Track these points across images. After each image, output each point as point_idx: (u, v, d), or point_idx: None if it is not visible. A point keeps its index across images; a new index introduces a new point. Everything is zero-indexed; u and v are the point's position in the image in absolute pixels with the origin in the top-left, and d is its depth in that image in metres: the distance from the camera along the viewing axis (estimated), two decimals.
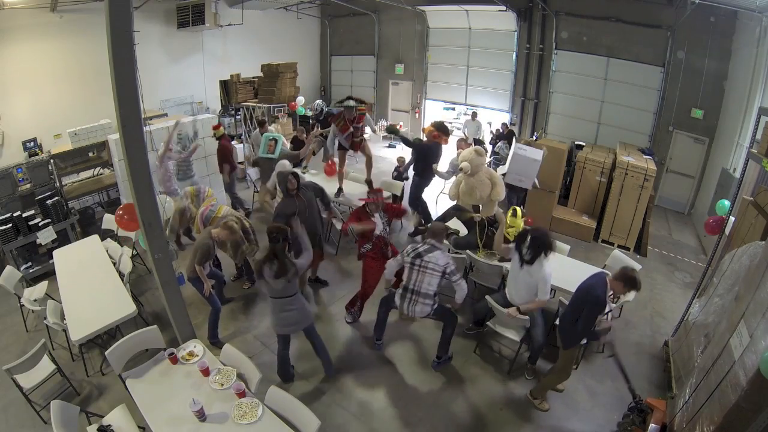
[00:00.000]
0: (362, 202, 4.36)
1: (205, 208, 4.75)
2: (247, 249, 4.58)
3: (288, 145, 7.09)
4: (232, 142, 8.83)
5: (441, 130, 5.92)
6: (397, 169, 7.24)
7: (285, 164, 5.04)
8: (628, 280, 2.99)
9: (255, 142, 7.36)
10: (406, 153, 7.40)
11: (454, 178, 5.61)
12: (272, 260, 3.21)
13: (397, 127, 7.34)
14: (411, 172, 6.25)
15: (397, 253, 4.42)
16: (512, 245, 3.79)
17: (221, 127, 6.61)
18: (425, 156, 5.91)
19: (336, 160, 6.25)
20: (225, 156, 6.78)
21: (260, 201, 5.92)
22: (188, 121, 6.65)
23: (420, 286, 3.62)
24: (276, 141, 5.56)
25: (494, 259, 4.52)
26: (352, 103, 5.59)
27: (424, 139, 6.22)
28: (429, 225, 5.10)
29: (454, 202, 5.40)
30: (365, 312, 4.60)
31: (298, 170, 6.75)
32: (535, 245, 3.48)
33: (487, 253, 4.59)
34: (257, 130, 7.57)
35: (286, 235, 3.29)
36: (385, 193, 4.59)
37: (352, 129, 5.67)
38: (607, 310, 3.16)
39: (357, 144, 5.82)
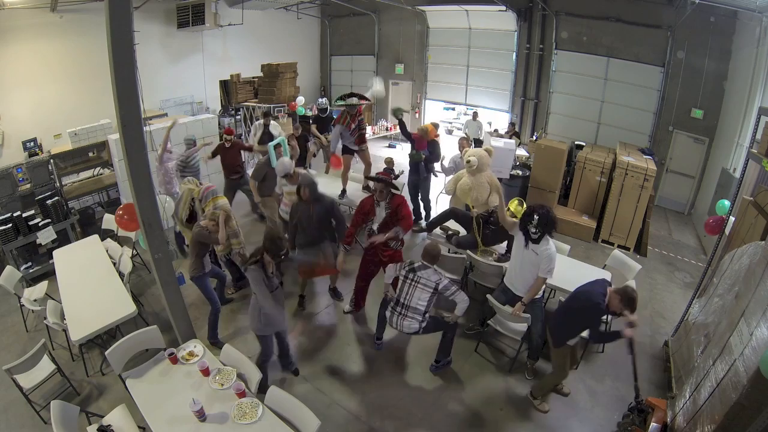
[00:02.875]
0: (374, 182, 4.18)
1: (208, 187, 4.74)
2: (234, 244, 4.59)
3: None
4: None
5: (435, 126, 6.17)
6: (386, 169, 7.20)
7: (284, 162, 4.97)
8: (628, 300, 2.96)
9: (255, 130, 7.36)
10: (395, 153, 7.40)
11: (452, 175, 5.62)
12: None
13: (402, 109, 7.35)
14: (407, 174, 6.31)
15: (399, 257, 4.39)
16: (516, 221, 3.76)
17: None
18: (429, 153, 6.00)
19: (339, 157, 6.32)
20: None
21: (270, 213, 5.74)
22: (186, 122, 6.67)
23: (410, 300, 3.60)
24: (281, 145, 5.55)
25: (491, 258, 4.52)
26: (355, 101, 5.64)
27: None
28: (431, 223, 5.10)
29: (449, 204, 5.42)
30: (361, 317, 4.61)
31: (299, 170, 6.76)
32: (543, 223, 3.46)
33: (485, 251, 4.59)
34: (260, 120, 7.56)
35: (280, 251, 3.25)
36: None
37: (356, 123, 5.73)
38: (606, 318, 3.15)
39: (362, 138, 5.91)
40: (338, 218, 4.30)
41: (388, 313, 3.75)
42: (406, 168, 6.29)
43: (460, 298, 3.54)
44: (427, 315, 3.63)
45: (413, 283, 3.60)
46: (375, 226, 4.13)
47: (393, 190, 4.14)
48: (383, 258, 4.23)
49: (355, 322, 4.63)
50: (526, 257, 3.62)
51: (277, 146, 5.46)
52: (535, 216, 3.49)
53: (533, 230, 3.50)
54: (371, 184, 4.09)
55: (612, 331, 3.15)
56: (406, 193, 6.54)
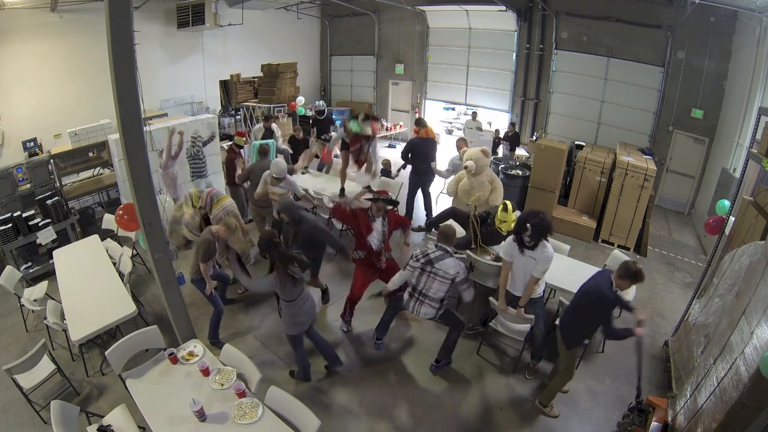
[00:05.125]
0: (368, 203, 4.16)
1: (212, 189, 4.82)
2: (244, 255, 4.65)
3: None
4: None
5: (418, 124, 6.10)
6: (383, 170, 7.24)
7: (280, 162, 4.96)
8: (632, 274, 2.96)
9: (255, 135, 7.38)
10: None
11: (452, 177, 5.62)
12: (286, 270, 3.27)
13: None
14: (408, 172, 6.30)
15: (395, 267, 4.37)
16: (509, 239, 3.73)
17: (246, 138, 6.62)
18: (420, 153, 5.97)
19: (337, 152, 6.28)
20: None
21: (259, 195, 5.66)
22: (186, 122, 6.68)
23: (429, 290, 3.60)
24: (268, 146, 5.66)
25: (490, 258, 4.53)
26: (369, 131, 5.43)
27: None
28: (431, 223, 5.09)
29: (451, 204, 5.40)
30: (362, 316, 4.58)
31: (298, 171, 6.77)
32: (536, 231, 3.43)
33: (482, 250, 4.59)
34: (260, 124, 7.57)
35: (276, 241, 3.36)
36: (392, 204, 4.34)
37: (361, 146, 5.65)
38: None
39: (360, 161, 5.76)
40: (325, 236, 4.31)
41: (406, 296, 3.75)
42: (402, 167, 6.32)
43: (468, 294, 3.60)
44: (444, 302, 3.66)
45: (431, 275, 3.56)
46: (373, 242, 4.04)
47: (390, 206, 4.16)
48: (381, 267, 4.19)
49: (354, 321, 4.62)
50: (526, 263, 3.59)
51: (263, 147, 5.53)
52: (528, 225, 3.46)
53: (527, 239, 3.48)
54: (372, 204, 4.04)
55: (624, 327, 3.10)
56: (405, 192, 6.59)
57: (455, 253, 4.70)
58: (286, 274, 3.26)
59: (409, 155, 6.03)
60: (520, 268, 3.66)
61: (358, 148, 5.56)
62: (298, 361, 3.75)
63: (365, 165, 5.70)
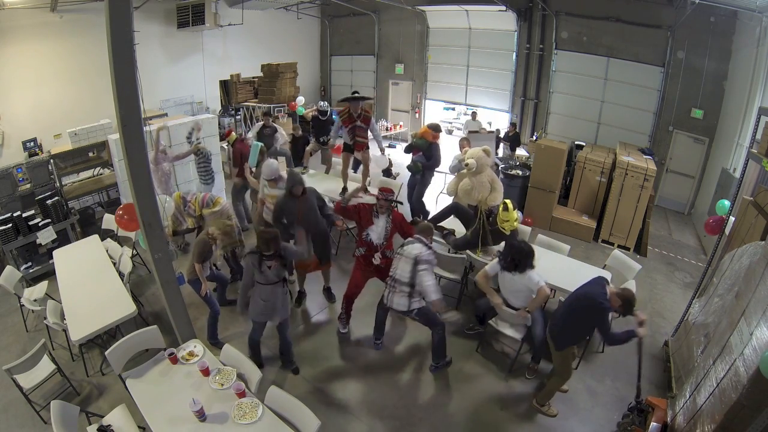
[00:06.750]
0: (374, 199, 4.20)
1: (206, 194, 4.91)
2: (239, 251, 4.74)
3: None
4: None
5: (437, 129, 6.12)
6: (385, 171, 7.24)
7: (271, 164, 4.96)
8: (627, 303, 2.97)
9: (253, 132, 7.41)
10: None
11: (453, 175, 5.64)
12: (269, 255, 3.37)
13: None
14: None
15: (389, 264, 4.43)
16: (494, 261, 3.86)
17: (233, 133, 6.59)
18: (427, 157, 6.01)
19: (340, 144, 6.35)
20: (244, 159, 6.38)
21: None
22: (186, 122, 6.69)
23: (396, 273, 3.67)
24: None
25: (491, 258, 4.51)
26: (357, 96, 5.68)
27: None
28: (433, 219, 5.09)
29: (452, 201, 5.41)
30: (362, 317, 4.58)
31: (298, 170, 6.77)
32: (515, 256, 3.55)
33: (485, 251, 4.58)
34: (260, 122, 7.61)
35: (278, 244, 3.41)
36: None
37: (356, 124, 5.69)
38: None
39: (358, 145, 5.85)
40: (326, 214, 4.45)
41: (385, 291, 3.82)
42: (402, 168, 6.32)
43: (428, 279, 3.49)
44: (415, 289, 3.62)
45: (400, 255, 3.69)
46: (373, 236, 4.08)
47: (395, 204, 4.24)
48: (380, 264, 4.17)
49: (354, 322, 4.62)
50: (512, 283, 3.68)
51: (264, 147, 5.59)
52: (509, 250, 3.62)
53: (508, 261, 3.61)
54: (377, 200, 4.08)
55: (626, 330, 3.08)
56: (404, 193, 6.59)
57: (456, 253, 4.75)
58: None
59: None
60: (507, 285, 3.75)
61: (352, 128, 5.66)
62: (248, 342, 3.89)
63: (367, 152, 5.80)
